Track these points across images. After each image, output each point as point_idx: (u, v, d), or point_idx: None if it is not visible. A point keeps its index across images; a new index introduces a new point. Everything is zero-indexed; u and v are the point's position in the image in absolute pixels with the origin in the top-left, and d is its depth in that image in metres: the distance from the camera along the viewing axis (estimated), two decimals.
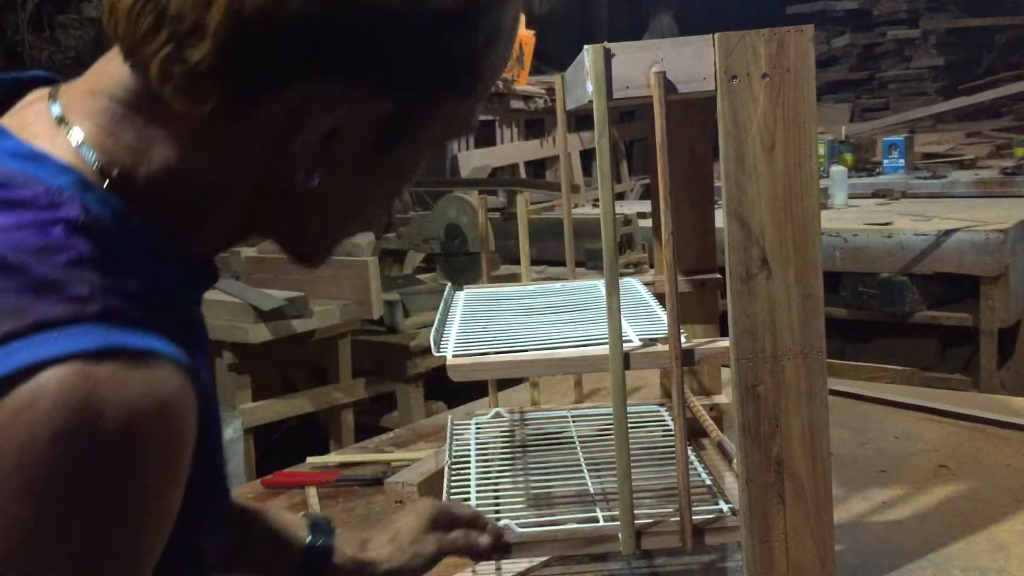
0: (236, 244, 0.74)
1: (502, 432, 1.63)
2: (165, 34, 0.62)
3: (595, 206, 5.70)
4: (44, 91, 0.69)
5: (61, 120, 0.65)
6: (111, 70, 0.66)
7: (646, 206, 4.82)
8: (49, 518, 0.53)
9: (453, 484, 1.36)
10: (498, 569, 1.33)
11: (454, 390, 1.76)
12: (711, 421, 1.52)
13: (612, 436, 1.17)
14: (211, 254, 0.72)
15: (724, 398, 1.72)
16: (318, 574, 1.05)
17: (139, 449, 0.55)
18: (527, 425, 1.66)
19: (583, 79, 1.13)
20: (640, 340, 1.20)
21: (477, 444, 1.54)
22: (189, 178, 0.66)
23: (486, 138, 7.35)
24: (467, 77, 0.70)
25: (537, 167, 7.59)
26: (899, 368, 3.68)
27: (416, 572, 1.09)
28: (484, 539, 1.12)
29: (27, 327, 0.54)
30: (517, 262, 1.81)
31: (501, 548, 1.14)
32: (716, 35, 1.07)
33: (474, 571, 1.30)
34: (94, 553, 0.55)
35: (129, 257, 0.61)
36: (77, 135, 0.64)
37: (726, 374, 1.34)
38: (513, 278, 2.49)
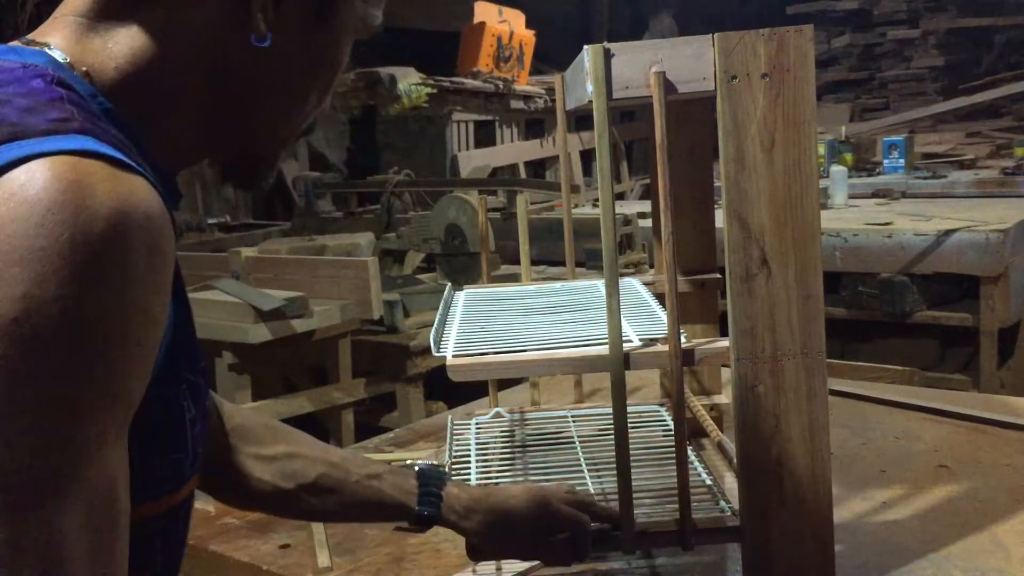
0: (193, 159, 0.76)
1: (502, 432, 1.63)
2: None
3: (595, 206, 5.70)
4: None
5: (29, 42, 0.69)
6: None
7: (646, 206, 4.82)
8: (44, 290, 0.53)
9: None
10: (498, 569, 1.33)
11: (454, 390, 1.76)
12: (711, 421, 1.52)
13: (612, 436, 1.17)
14: (173, 169, 0.75)
15: (724, 398, 1.72)
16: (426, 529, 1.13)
17: (126, 237, 0.55)
18: (527, 425, 1.66)
19: (583, 79, 1.13)
20: (640, 340, 1.20)
21: (477, 444, 1.54)
22: (152, 62, 0.69)
23: (486, 138, 7.35)
24: None
25: (537, 167, 7.60)
26: (899, 368, 3.68)
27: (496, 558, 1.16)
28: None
29: (9, 135, 0.57)
30: (517, 262, 1.81)
31: None
32: (716, 35, 1.08)
33: (474, 571, 1.30)
34: (85, 329, 0.54)
35: (103, 123, 0.64)
36: (50, 46, 0.68)
37: (726, 374, 1.34)
38: (513, 278, 2.49)
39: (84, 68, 0.68)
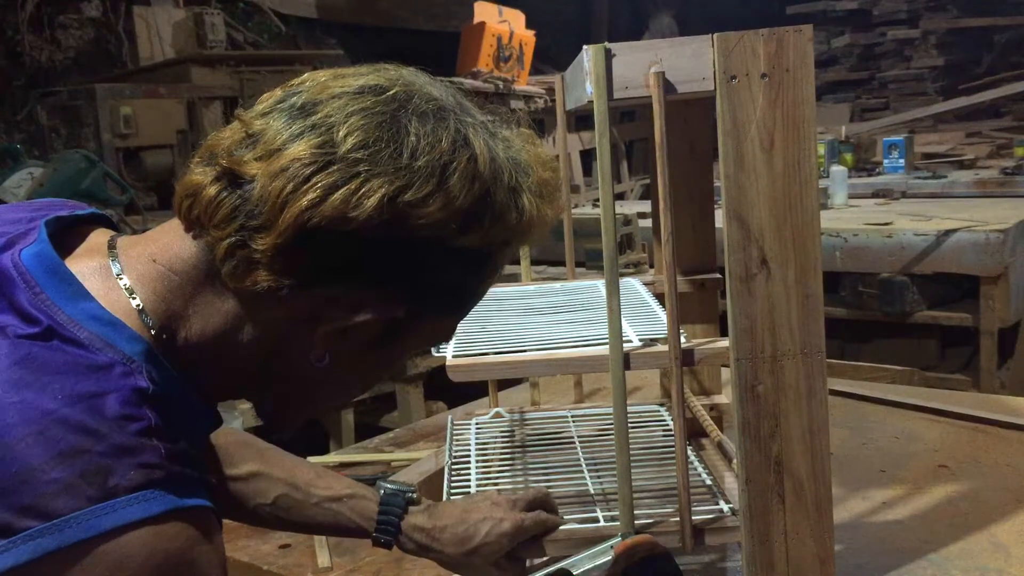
0: (235, 398, 0.85)
1: (502, 432, 1.63)
2: (238, 223, 0.73)
3: (595, 206, 5.70)
4: (102, 238, 0.81)
5: (126, 287, 0.76)
6: (171, 242, 0.78)
7: (646, 206, 4.82)
8: None
9: (453, 484, 1.36)
10: None
11: (454, 390, 1.76)
12: (711, 421, 1.52)
13: (612, 436, 1.17)
14: (216, 402, 0.83)
15: (724, 398, 1.72)
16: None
17: None
18: (527, 425, 1.66)
19: (583, 79, 1.13)
20: (640, 340, 1.20)
21: (477, 444, 1.54)
22: (222, 344, 0.78)
23: None
24: (466, 301, 0.85)
25: None
26: (899, 368, 3.68)
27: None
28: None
29: (107, 492, 0.65)
30: (517, 262, 1.81)
31: None
32: (715, 35, 1.08)
33: None
34: None
35: (180, 419, 0.72)
36: (137, 300, 0.76)
37: (726, 374, 1.34)
38: (513, 278, 2.49)
39: (166, 335, 0.76)
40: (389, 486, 1.17)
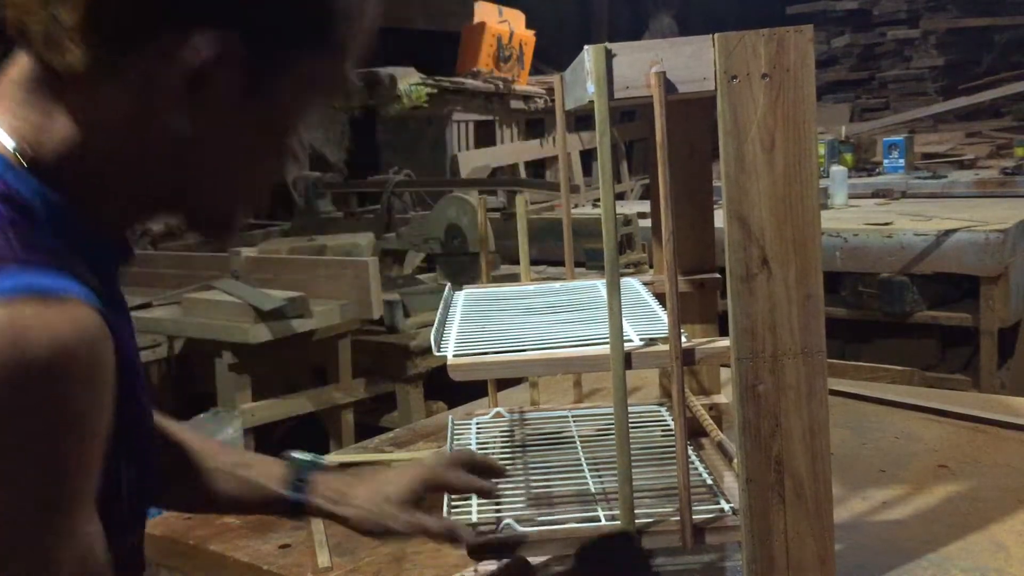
0: (146, 220, 0.80)
1: (502, 432, 1.63)
2: (47, 9, 0.69)
3: (595, 206, 5.70)
4: None
5: None
6: (17, 60, 0.74)
7: (646, 206, 4.82)
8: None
9: None
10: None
11: (454, 390, 1.76)
12: (711, 421, 1.52)
13: (612, 436, 1.17)
14: (122, 230, 0.78)
15: (724, 398, 1.72)
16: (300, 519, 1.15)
17: (67, 373, 0.61)
18: (527, 425, 1.66)
19: (583, 79, 1.13)
20: (640, 340, 1.20)
21: (477, 444, 1.54)
22: (83, 146, 0.73)
23: (486, 138, 7.35)
24: (316, 31, 0.76)
25: (537, 167, 7.59)
26: (899, 368, 3.68)
27: (379, 538, 1.14)
28: (468, 537, 1.13)
29: None
30: (517, 262, 1.81)
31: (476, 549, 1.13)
32: (716, 35, 1.08)
33: (476, 570, 1.30)
34: (41, 473, 0.61)
35: (47, 225, 0.68)
36: None
37: (726, 374, 1.34)
38: (513, 278, 2.49)
39: (29, 149, 0.71)
40: (297, 454, 1.16)
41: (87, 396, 0.63)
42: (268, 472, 1.13)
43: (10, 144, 0.71)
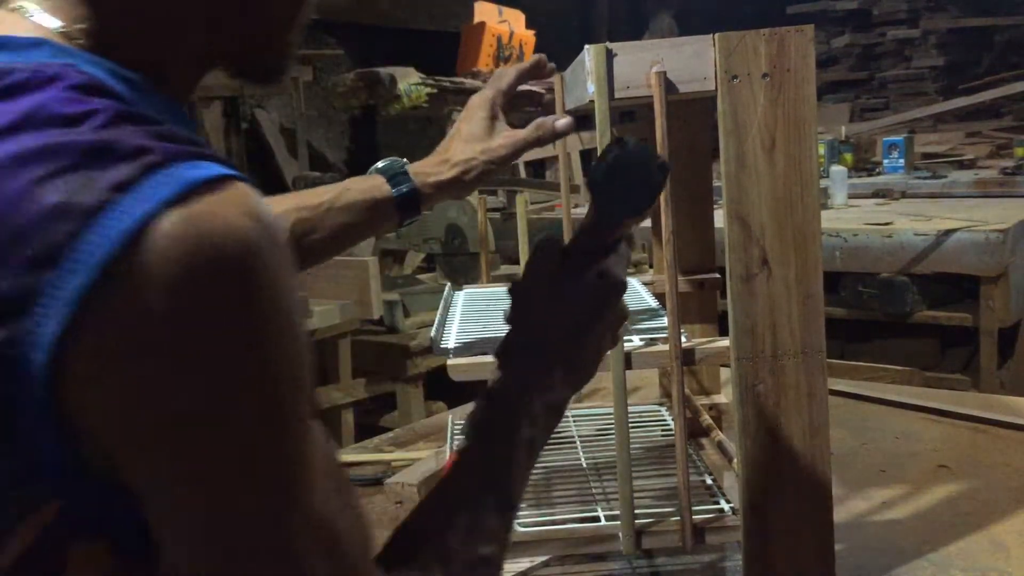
0: (202, 75, 0.69)
1: None
2: None
3: None
4: None
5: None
6: None
7: None
8: (223, 361, 0.50)
9: None
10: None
11: (454, 390, 1.76)
12: (711, 421, 1.52)
13: (612, 436, 1.17)
14: (184, 95, 0.67)
15: (724, 398, 1.72)
16: (415, 214, 1.10)
17: (263, 263, 0.50)
18: None
19: (583, 79, 1.13)
20: (640, 340, 1.20)
21: None
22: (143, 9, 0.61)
23: None
24: None
25: (537, 167, 7.59)
26: (899, 368, 3.68)
27: (494, 173, 1.10)
28: (560, 123, 1.10)
29: (101, 200, 0.48)
30: (517, 262, 1.81)
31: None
32: (716, 35, 1.08)
33: None
34: (294, 371, 0.52)
35: (138, 105, 0.55)
36: (17, 8, 0.59)
37: (726, 374, 1.34)
38: (513, 278, 2.49)
39: (76, 25, 0.58)
40: (379, 164, 1.13)
41: (288, 279, 0.52)
42: (365, 186, 1.10)
43: (54, 24, 0.58)
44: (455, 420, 1.66)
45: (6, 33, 0.56)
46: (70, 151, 0.49)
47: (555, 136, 1.11)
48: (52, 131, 0.50)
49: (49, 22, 0.58)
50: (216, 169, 0.51)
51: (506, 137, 1.11)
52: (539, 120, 1.11)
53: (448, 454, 1.50)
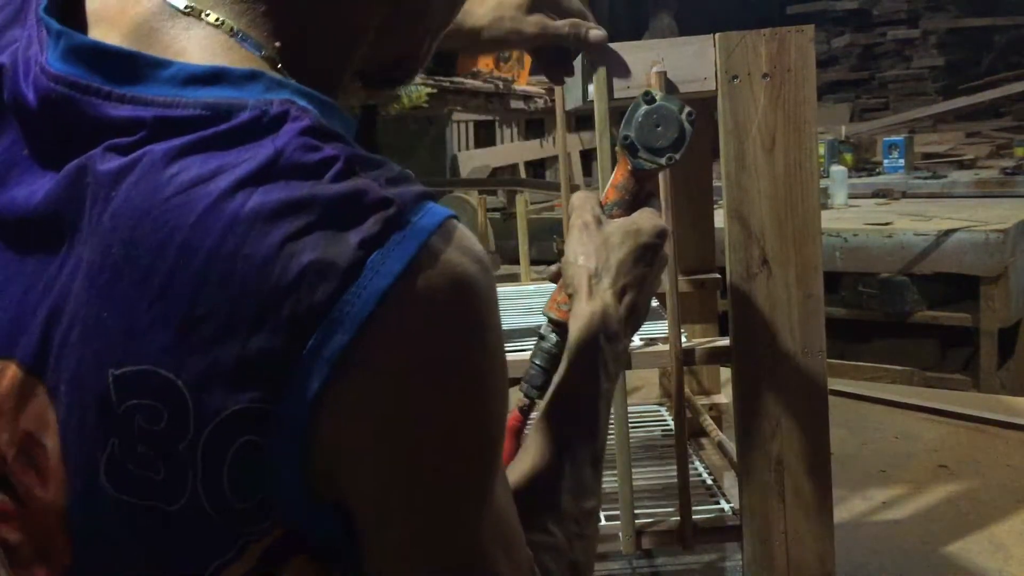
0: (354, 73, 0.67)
1: None
2: None
3: None
4: None
5: (192, 10, 0.55)
6: None
7: None
8: (467, 400, 0.53)
9: None
10: None
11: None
12: (711, 421, 1.52)
13: (612, 436, 1.17)
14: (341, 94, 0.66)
15: (724, 398, 1.72)
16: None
17: (489, 302, 0.53)
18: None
19: (584, 79, 1.13)
20: (640, 340, 1.20)
21: None
22: (327, 11, 0.59)
23: (486, 138, 7.35)
24: None
25: (537, 167, 7.59)
26: (899, 368, 3.68)
27: (511, 45, 1.06)
28: (594, 32, 1.05)
29: (354, 259, 0.48)
30: (517, 262, 1.81)
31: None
32: (717, 35, 1.08)
33: None
34: (505, 392, 0.55)
35: (343, 134, 0.55)
36: (220, 18, 0.55)
37: (726, 374, 1.34)
38: (513, 278, 2.49)
39: (275, 46, 0.56)
40: None
41: (498, 312, 0.55)
42: None
43: (257, 51, 0.55)
44: None
45: (218, 60, 0.54)
46: (317, 206, 0.49)
47: (584, 42, 1.05)
48: (296, 183, 0.49)
49: (252, 48, 0.56)
50: (439, 213, 0.52)
51: (540, 18, 1.05)
52: (576, 20, 1.06)
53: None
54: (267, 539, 0.52)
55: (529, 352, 0.86)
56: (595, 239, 0.81)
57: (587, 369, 0.77)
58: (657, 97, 0.82)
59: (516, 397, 0.85)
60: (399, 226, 0.50)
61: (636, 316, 0.82)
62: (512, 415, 0.86)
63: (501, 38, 1.04)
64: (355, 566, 0.54)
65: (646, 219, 0.82)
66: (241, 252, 0.47)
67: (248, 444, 0.48)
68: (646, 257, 0.81)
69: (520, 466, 0.74)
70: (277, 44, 0.56)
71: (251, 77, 0.53)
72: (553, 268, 0.86)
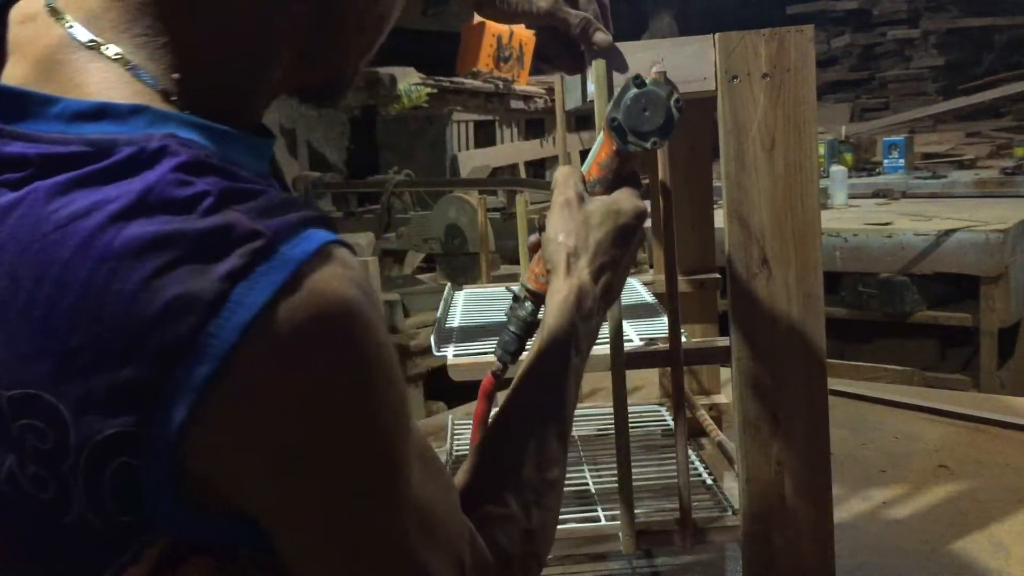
0: (280, 95, 0.69)
1: None
2: None
3: None
4: (32, 3, 0.60)
5: (93, 44, 0.57)
6: None
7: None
8: (343, 417, 0.54)
9: None
10: None
11: (454, 390, 1.76)
12: (711, 421, 1.53)
13: (612, 436, 1.17)
14: (257, 122, 0.67)
15: (724, 398, 1.72)
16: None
17: (367, 324, 0.54)
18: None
19: (584, 79, 1.13)
20: (640, 340, 1.20)
21: None
22: (235, 42, 0.60)
23: (486, 138, 7.35)
24: None
25: (537, 167, 7.59)
26: (899, 368, 3.68)
27: (518, 18, 1.03)
28: (600, 35, 1.02)
29: (219, 292, 0.50)
30: (517, 262, 1.81)
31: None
32: (717, 35, 1.08)
33: None
34: (396, 406, 0.57)
35: (232, 164, 0.56)
36: (116, 58, 0.57)
37: (726, 374, 1.34)
38: (513, 278, 2.49)
39: (173, 76, 0.58)
40: None
41: (387, 337, 0.57)
42: None
43: (153, 84, 0.57)
44: (455, 420, 1.66)
45: (105, 95, 0.56)
46: (185, 241, 0.51)
47: (588, 41, 1.02)
48: (165, 218, 0.51)
49: (145, 78, 0.57)
50: (316, 239, 0.53)
51: (555, 5, 1.02)
52: (588, 17, 1.02)
53: (448, 454, 1.50)
54: (162, 543, 0.55)
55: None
56: (576, 217, 0.83)
57: (559, 344, 0.79)
58: (647, 82, 0.84)
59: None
60: (266, 257, 0.52)
61: (611, 295, 0.84)
62: (486, 378, 0.89)
63: (512, 7, 1.02)
64: (273, 561, 0.57)
65: (627, 199, 0.84)
66: (111, 287, 0.50)
67: (123, 465, 0.51)
68: (624, 237, 0.83)
69: (487, 436, 0.77)
70: (176, 76, 0.58)
71: (135, 111, 0.55)
72: (533, 239, 0.88)
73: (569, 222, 0.83)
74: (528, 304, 0.86)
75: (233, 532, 0.57)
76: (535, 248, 0.87)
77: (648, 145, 0.84)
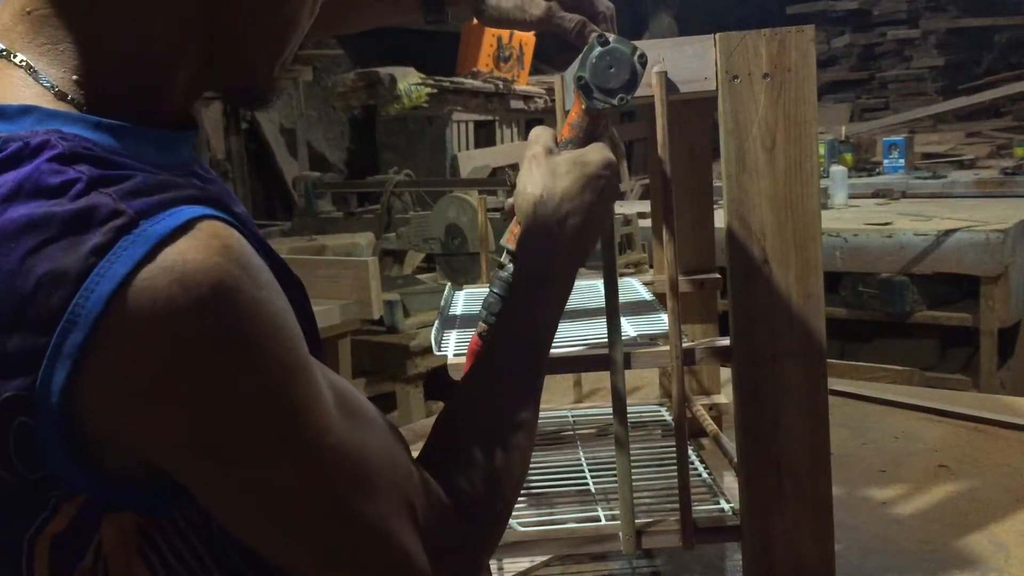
0: (200, 93, 0.73)
1: None
2: None
3: None
4: None
5: (4, 52, 0.64)
6: None
7: (646, 206, 4.82)
8: (220, 378, 0.58)
9: None
10: (500, 569, 1.33)
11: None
12: (711, 421, 1.53)
13: (612, 436, 1.17)
14: (182, 117, 0.72)
15: (724, 398, 1.72)
16: (438, 15, 1.12)
17: (236, 289, 0.58)
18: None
19: None
20: (640, 340, 1.20)
21: None
22: (133, 45, 0.65)
23: (486, 138, 7.35)
24: None
25: None
26: (899, 368, 3.68)
27: (514, 25, 1.09)
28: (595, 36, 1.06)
29: (84, 266, 0.56)
30: None
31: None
32: (717, 35, 1.08)
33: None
34: (286, 359, 0.60)
35: (120, 155, 0.62)
36: (21, 64, 0.64)
37: (726, 374, 1.34)
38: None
39: (72, 78, 0.64)
40: None
41: (268, 299, 0.60)
42: None
43: (49, 86, 0.63)
44: None
45: (7, 97, 0.63)
46: (55, 222, 0.57)
47: (580, 39, 1.05)
48: (37, 202, 0.57)
49: (43, 80, 0.64)
50: (183, 214, 0.58)
51: (550, 4, 1.07)
52: (585, 19, 1.07)
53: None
54: (79, 497, 0.60)
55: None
56: (543, 168, 0.84)
57: (526, 285, 0.82)
58: (611, 40, 0.87)
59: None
60: (128, 233, 0.57)
61: (582, 243, 0.84)
62: (472, 340, 0.91)
63: (507, 15, 1.07)
64: (205, 519, 0.63)
65: (595, 151, 0.86)
66: None
67: (23, 424, 0.57)
68: (592, 186, 0.84)
69: (456, 388, 0.79)
70: (75, 78, 0.64)
71: (24, 111, 0.62)
72: (509, 201, 0.89)
73: (535, 174, 0.84)
74: (509, 265, 0.87)
75: (161, 495, 0.61)
76: (511, 209, 0.89)
77: (615, 101, 0.86)
